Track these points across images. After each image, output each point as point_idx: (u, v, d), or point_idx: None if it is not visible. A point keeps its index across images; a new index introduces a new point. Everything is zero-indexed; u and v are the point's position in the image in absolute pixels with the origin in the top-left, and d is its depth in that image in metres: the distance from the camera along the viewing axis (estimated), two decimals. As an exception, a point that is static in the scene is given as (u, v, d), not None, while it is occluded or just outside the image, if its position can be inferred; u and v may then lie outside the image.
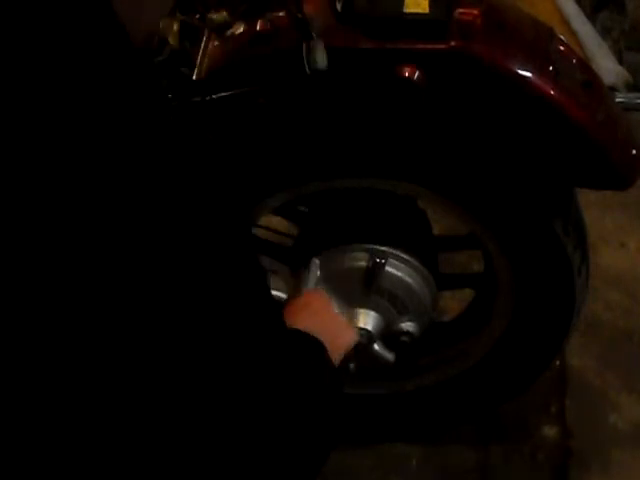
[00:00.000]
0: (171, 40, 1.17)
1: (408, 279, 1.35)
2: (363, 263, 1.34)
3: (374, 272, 1.33)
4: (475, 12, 1.16)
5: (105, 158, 0.60)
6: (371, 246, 1.34)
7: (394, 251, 1.34)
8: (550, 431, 1.68)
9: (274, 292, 1.23)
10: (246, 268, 0.73)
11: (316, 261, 1.31)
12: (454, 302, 1.74)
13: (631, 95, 1.87)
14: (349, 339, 1.11)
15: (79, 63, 0.61)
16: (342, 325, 1.14)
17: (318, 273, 1.30)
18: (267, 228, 1.52)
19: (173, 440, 0.67)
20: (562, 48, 1.24)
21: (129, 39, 0.65)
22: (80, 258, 0.60)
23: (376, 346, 1.37)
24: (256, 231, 1.49)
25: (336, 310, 1.17)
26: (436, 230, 1.56)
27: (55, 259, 0.60)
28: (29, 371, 0.61)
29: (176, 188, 0.65)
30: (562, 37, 1.26)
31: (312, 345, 0.90)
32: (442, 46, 1.15)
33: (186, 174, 0.66)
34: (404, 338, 1.37)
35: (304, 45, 1.10)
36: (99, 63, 0.62)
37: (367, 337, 1.35)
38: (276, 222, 1.57)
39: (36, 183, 0.58)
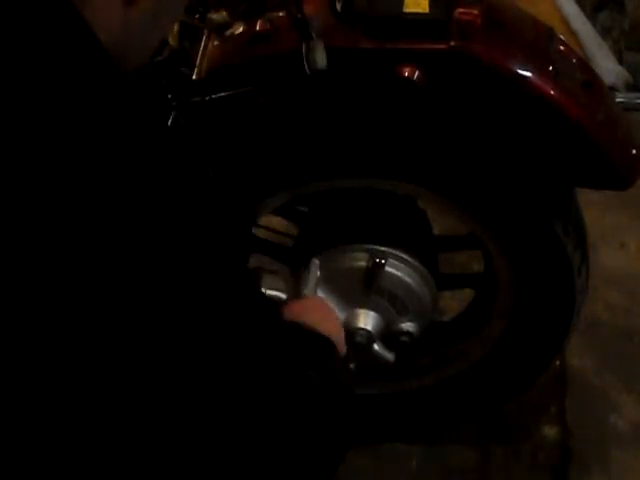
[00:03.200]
0: (171, 40, 1.17)
1: (408, 279, 1.35)
2: (363, 263, 1.34)
3: (374, 272, 1.33)
4: (475, 12, 1.16)
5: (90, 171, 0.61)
6: (371, 246, 1.34)
7: (394, 251, 1.34)
8: (550, 431, 1.68)
9: (274, 292, 1.22)
10: (238, 274, 0.73)
11: (316, 261, 1.31)
12: (454, 302, 1.74)
13: (631, 95, 1.87)
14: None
15: (57, 84, 0.62)
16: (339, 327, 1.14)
17: (318, 273, 1.30)
18: (267, 228, 1.52)
19: (176, 442, 0.67)
20: (562, 48, 1.24)
21: (109, 59, 0.66)
22: (77, 263, 0.60)
23: (376, 346, 1.37)
24: (256, 231, 1.49)
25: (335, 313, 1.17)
26: (436, 230, 1.56)
27: (53, 261, 0.60)
28: (30, 371, 0.61)
29: (163, 196, 0.65)
30: (562, 37, 1.26)
31: (326, 344, 0.91)
32: (442, 46, 1.15)
33: (171, 180, 0.67)
34: (404, 338, 1.37)
35: (304, 45, 1.10)
36: (76, 83, 0.63)
37: (367, 337, 1.35)
38: (276, 222, 1.57)
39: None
